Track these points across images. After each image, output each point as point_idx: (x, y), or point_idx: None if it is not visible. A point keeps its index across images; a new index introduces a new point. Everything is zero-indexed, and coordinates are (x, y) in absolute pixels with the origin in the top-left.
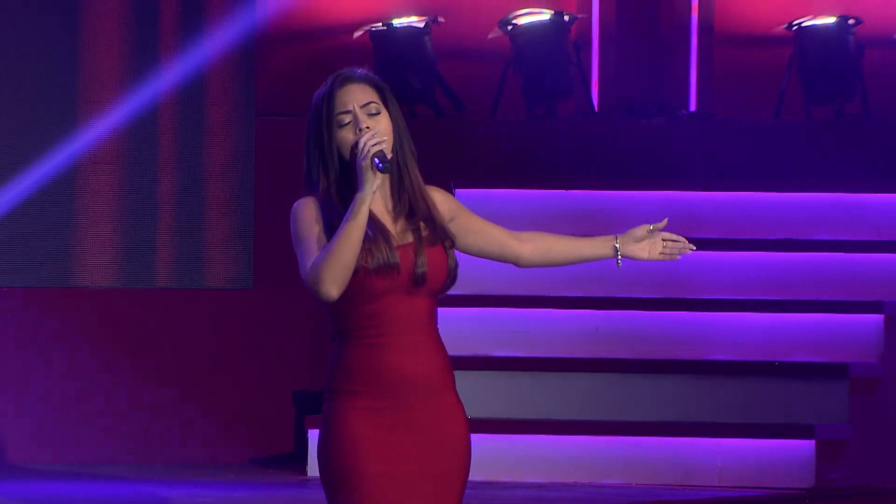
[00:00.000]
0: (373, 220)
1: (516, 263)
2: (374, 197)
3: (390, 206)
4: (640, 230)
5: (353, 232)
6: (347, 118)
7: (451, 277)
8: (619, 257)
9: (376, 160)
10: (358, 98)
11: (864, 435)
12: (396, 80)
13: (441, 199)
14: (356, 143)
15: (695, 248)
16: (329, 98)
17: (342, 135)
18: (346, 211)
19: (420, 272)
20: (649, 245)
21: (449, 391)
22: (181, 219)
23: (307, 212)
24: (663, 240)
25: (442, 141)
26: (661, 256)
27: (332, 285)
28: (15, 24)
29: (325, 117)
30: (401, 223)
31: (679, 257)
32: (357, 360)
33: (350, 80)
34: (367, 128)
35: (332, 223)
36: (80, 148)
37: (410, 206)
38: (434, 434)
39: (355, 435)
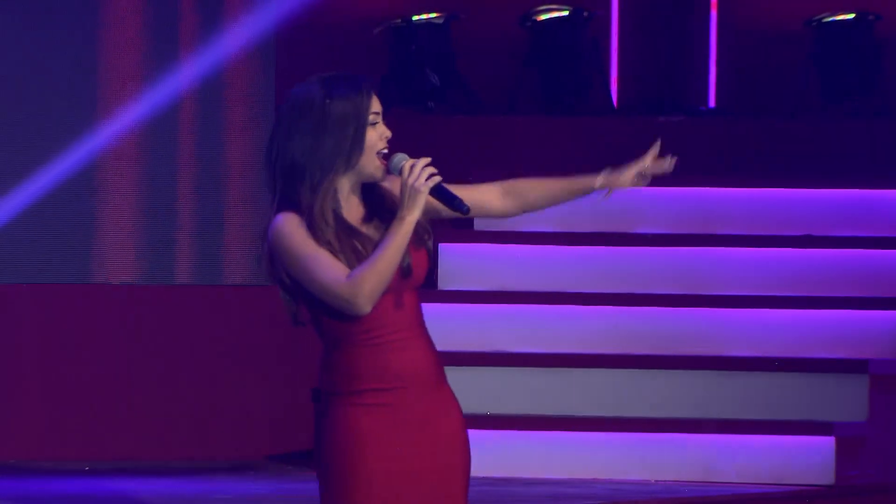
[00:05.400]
0: (354, 230)
1: (499, 216)
2: (351, 205)
3: (362, 213)
4: (631, 172)
5: (399, 253)
6: (376, 119)
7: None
8: (606, 188)
9: (459, 203)
10: (380, 107)
11: (883, 432)
12: (415, 77)
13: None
14: (409, 164)
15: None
16: (368, 95)
17: (368, 133)
18: (337, 225)
19: (405, 264)
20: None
21: (443, 383)
22: (201, 215)
23: (300, 227)
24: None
25: (459, 138)
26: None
27: (371, 302)
28: (36, 22)
29: (363, 109)
30: (373, 224)
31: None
32: (359, 362)
33: (373, 87)
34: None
35: (328, 239)
36: (100, 144)
37: (378, 210)
38: (433, 428)
39: (360, 433)
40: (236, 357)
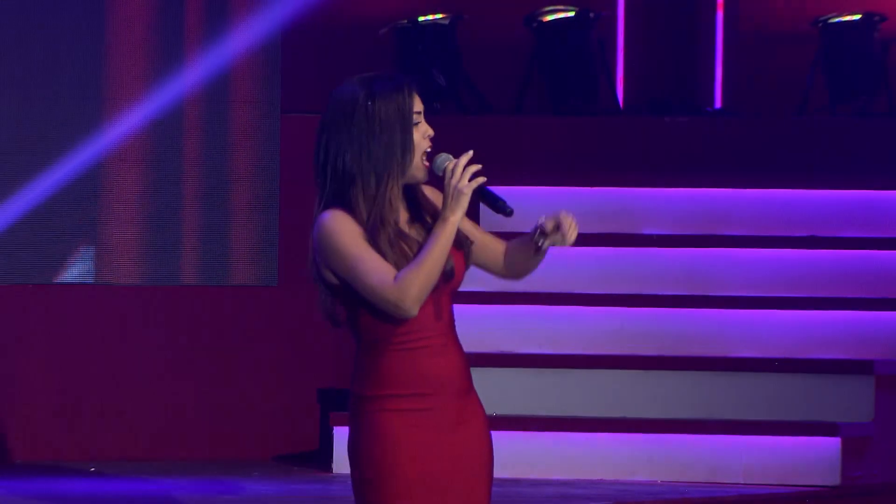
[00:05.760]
0: (402, 233)
1: (496, 275)
2: (397, 208)
3: (406, 216)
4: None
5: (444, 254)
6: (418, 118)
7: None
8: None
9: (504, 205)
10: (421, 106)
11: (889, 432)
12: (421, 77)
13: (439, 199)
14: (452, 164)
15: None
16: (409, 94)
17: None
18: (389, 223)
19: (448, 268)
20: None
21: (472, 389)
22: (207, 216)
23: (350, 225)
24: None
25: (465, 138)
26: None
27: (418, 304)
28: (42, 23)
29: (407, 109)
30: (416, 227)
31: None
32: (395, 365)
33: (414, 86)
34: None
35: (384, 242)
36: (105, 146)
37: (420, 212)
38: (463, 432)
39: (396, 438)
40: (243, 358)
